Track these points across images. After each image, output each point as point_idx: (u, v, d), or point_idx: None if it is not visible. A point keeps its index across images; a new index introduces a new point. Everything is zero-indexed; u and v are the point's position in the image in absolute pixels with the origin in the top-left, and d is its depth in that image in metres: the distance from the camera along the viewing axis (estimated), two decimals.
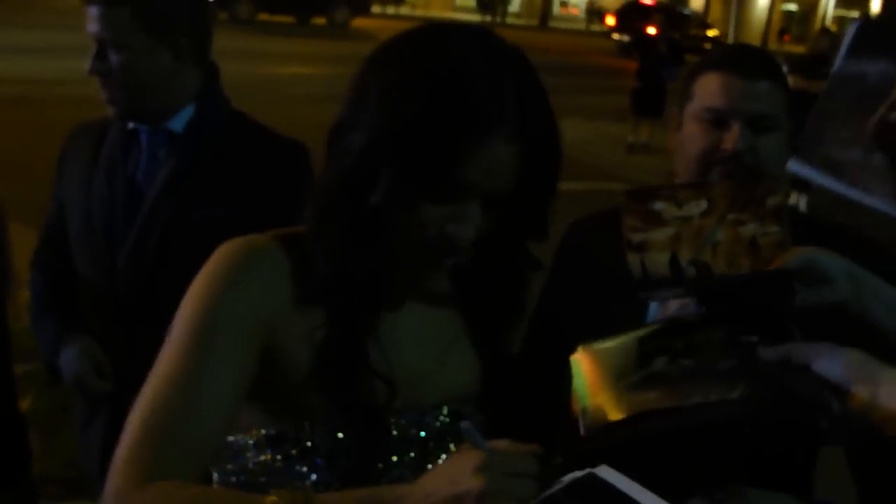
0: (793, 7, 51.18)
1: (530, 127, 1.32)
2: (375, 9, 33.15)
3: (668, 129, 1.97)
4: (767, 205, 1.53)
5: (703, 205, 1.54)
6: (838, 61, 1.47)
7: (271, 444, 1.41)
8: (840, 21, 47.78)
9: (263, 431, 1.41)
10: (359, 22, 27.65)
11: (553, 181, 1.40)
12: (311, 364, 1.36)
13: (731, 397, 1.31)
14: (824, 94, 1.51)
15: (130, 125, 2.24)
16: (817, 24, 39.72)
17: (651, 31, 13.91)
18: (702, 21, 34.68)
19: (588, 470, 1.20)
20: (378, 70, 1.35)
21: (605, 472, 1.20)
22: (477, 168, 1.29)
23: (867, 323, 1.46)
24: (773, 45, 32.19)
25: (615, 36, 14.51)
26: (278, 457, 1.41)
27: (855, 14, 53.45)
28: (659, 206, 1.54)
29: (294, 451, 1.40)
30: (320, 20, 27.33)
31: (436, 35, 1.36)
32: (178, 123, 2.22)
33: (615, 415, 1.35)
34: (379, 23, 28.68)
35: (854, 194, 1.42)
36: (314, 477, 1.40)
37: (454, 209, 1.33)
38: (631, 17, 17.27)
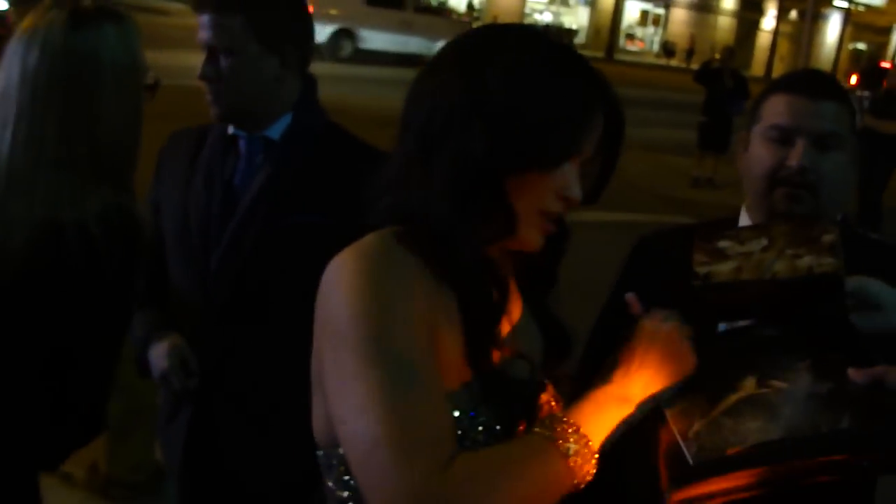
0: (862, 46, 50.70)
1: (610, 98, 1.49)
2: None
3: (736, 153, 2.02)
4: (823, 241, 1.61)
5: (764, 242, 1.65)
6: None
7: None
8: None
9: None
10: None
11: (620, 149, 1.54)
12: (455, 349, 1.38)
13: (842, 427, 1.33)
14: None
15: (230, 131, 2.32)
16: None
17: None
18: None
19: None
20: (481, 67, 1.42)
21: None
22: (590, 135, 1.46)
23: None
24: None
25: (857, 93, 14.51)
26: None
27: None
28: (723, 244, 1.67)
29: None
30: None
31: (517, 30, 1.50)
32: (275, 131, 2.28)
33: (725, 446, 1.37)
34: None
35: None
36: None
37: (572, 176, 1.46)
38: (872, 75, 17.65)
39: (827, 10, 48.54)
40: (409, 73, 1.59)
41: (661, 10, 46.69)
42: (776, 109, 1.90)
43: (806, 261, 1.58)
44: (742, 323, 1.70)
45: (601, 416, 1.39)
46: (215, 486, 2.38)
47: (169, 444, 2.43)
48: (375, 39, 23.07)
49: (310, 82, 2.35)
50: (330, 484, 1.45)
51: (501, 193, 1.40)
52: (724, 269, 1.63)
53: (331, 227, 2.15)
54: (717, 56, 14.39)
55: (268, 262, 2.24)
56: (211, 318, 2.29)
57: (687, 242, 1.74)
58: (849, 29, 49.94)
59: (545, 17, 44.77)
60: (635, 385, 1.44)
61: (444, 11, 25.58)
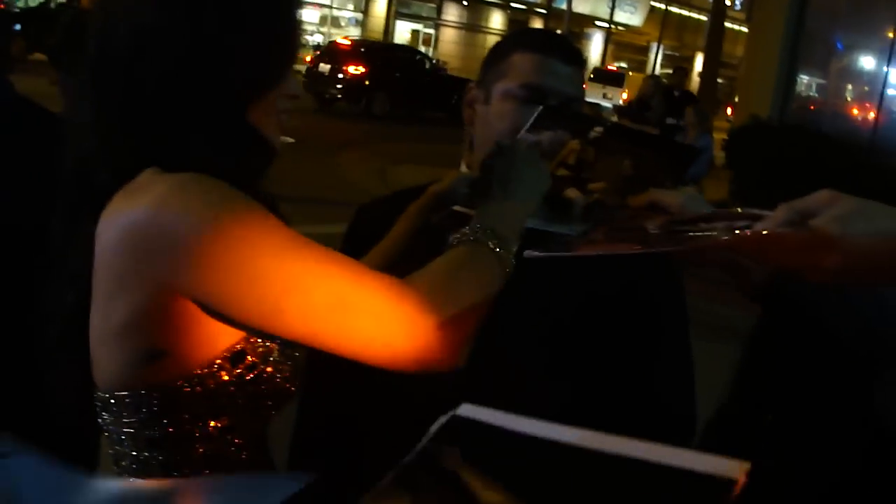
0: (624, 64, 53.37)
1: None
2: None
3: (465, 106, 2.02)
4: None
5: None
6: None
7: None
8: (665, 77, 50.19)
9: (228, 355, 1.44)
10: None
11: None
12: None
13: None
14: None
15: None
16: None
17: None
18: None
19: (450, 413, 1.13)
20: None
21: (468, 410, 1.11)
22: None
23: None
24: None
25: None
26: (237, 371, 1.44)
27: None
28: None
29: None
30: None
31: None
32: None
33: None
34: None
35: None
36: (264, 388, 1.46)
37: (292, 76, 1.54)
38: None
39: (590, 30, 50.69)
40: None
41: (431, 30, 47.55)
42: (527, 68, 1.91)
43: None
44: None
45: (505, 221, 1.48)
46: None
47: None
48: None
49: None
50: (112, 427, 1.47)
51: (246, 122, 1.44)
52: None
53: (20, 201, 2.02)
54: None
55: None
56: None
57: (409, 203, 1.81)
58: (611, 48, 52.35)
59: (316, 39, 44.75)
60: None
61: None
